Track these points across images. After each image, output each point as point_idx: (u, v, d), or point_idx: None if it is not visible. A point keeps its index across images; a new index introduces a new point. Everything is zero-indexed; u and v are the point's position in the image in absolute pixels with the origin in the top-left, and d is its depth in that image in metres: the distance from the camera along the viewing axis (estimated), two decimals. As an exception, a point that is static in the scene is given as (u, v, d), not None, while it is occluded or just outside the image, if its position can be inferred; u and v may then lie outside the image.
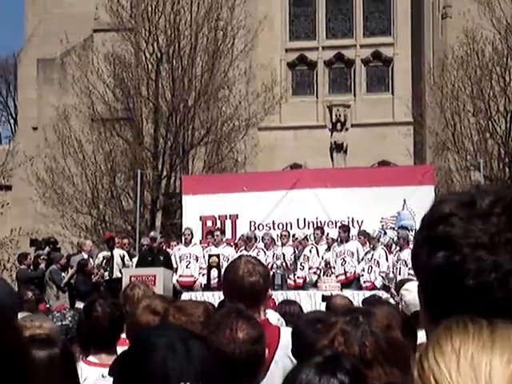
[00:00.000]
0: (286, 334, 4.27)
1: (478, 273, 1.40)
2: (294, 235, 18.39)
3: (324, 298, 13.07)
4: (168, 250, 18.60)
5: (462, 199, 1.48)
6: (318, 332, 3.44)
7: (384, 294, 13.91)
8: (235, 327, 3.25)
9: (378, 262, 16.98)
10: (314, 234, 18.15)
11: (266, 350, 3.42)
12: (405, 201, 18.88)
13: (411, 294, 5.34)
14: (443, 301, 1.33)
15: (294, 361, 3.78)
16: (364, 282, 17.16)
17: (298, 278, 17.66)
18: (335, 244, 17.75)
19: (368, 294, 14.76)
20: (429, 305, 1.47)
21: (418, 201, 17.83)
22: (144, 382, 1.93)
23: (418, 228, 1.56)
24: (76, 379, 3.17)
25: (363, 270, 17.24)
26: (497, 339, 1.14)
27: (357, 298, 14.24)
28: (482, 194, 1.48)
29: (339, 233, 17.83)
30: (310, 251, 17.69)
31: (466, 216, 1.44)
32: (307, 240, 17.99)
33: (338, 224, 18.71)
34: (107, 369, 4.34)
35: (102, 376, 4.30)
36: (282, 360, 4.13)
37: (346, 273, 17.27)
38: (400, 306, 5.85)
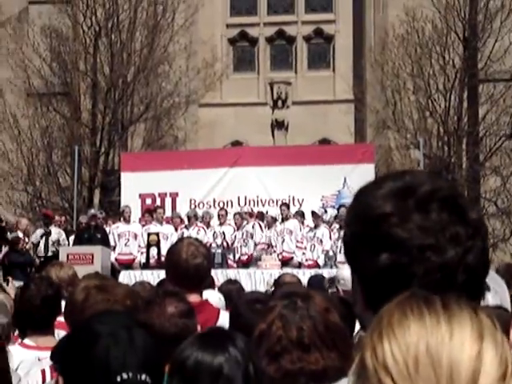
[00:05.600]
0: (225, 316, 4.36)
1: (425, 274, 1.41)
2: (236, 213, 18.29)
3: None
4: (105, 227, 18.32)
5: (397, 192, 1.45)
6: (256, 313, 3.46)
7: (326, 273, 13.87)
8: (163, 303, 3.39)
9: (321, 240, 17.03)
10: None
11: (199, 327, 3.47)
12: (345, 179, 18.95)
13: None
14: (386, 298, 1.24)
15: None
16: (306, 260, 17.22)
17: (242, 255, 17.59)
18: (277, 222, 17.76)
19: (308, 272, 14.76)
20: (367, 296, 1.46)
21: (358, 179, 17.87)
22: (86, 371, 1.91)
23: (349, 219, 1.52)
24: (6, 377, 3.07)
25: (305, 249, 17.29)
26: (455, 330, 1.10)
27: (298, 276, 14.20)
28: (417, 184, 1.46)
29: (283, 210, 17.83)
30: (253, 227, 17.63)
31: (406, 214, 1.43)
32: (250, 216, 17.92)
33: (279, 202, 18.72)
34: (43, 352, 4.21)
35: (38, 359, 4.22)
36: None
37: (283, 252, 17.33)
38: (340, 287, 5.81)
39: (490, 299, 1.90)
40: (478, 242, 1.45)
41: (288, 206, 18.09)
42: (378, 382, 1.09)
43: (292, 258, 17.40)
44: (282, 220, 17.79)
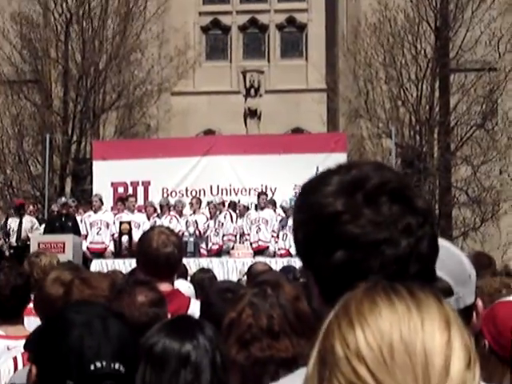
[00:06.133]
0: (196, 305, 4.36)
1: (380, 268, 1.41)
2: (209, 202, 18.26)
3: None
4: (77, 216, 18.22)
5: (346, 188, 1.45)
6: (227, 302, 3.46)
7: (298, 262, 13.90)
8: (133, 292, 3.38)
9: (293, 229, 17.05)
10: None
11: (169, 316, 3.45)
12: (317, 168, 18.93)
13: None
14: (343, 293, 1.23)
15: None
16: (279, 249, 17.24)
17: (213, 244, 17.59)
18: (250, 211, 17.75)
19: (280, 261, 14.79)
20: (323, 291, 1.47)
21: (331, 168, 17.91)
22: (60, 360, 1.93)
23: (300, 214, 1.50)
24: None
25: (277, 237, 17.31)
26: (425, 318, 1.10)
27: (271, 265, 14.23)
28: (365, 178, 1.45)
29: (262, 199, 17.82)
30: (225, 217, 17.62)
31: (357, 210, 1.42)
32: (223, 205, 17.92)
33: (252, 191, 18.70)
34: (12, 341, 4.21)
35: (8, 348, 4.22)
36: None
37: (258, 241, 17.32)
38: None
39: (452, 304, 1.91)
40: (428, 229, 1.46)
41: (267, 195, 18.09)
42: (351, 370, 1.07)
43: (268, 247, 17.42)
44: (257, 209, 17.79)
